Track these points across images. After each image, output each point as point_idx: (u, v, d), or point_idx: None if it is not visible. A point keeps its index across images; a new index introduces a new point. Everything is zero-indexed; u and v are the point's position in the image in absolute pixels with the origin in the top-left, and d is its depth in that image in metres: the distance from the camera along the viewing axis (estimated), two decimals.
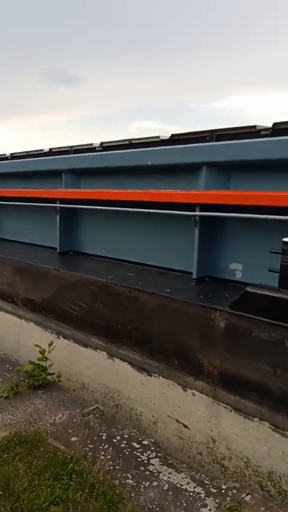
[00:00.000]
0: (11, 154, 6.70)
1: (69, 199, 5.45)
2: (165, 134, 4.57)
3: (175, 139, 4.50)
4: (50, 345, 3.86)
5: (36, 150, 6.22)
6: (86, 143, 5.43)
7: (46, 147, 6.01)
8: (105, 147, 5.18)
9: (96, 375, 4.17)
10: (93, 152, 5.28)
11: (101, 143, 5.21)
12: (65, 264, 5.10)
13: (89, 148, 5.40)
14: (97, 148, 5.27)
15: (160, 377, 3.54)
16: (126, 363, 3.83)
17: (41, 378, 3.70)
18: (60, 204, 5.53)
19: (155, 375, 3.57)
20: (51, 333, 4.70)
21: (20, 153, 6.55)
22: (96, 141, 5.39)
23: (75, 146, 5.59)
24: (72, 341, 4.43)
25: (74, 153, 5.64)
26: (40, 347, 3.88)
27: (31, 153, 6.33)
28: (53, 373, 3.87)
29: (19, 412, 3.22)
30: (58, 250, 5.60)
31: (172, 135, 4.51)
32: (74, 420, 3.11)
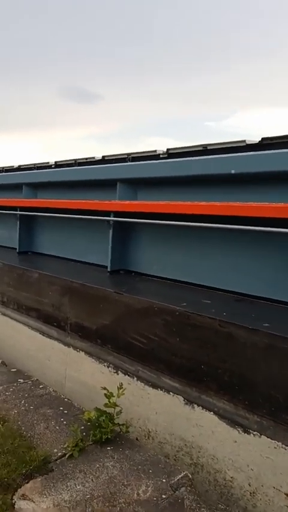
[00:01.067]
0: (55, 162, 6.14)
1: (125, 212, 4.83)
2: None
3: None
4: (119, 387, 3.17)
5: (86, 158, 5.65)
6: (147, 150, 4.83)
7: (98, 155, 5.44)
8: (172, 154, 4.57)
9: (168, 423, 3.45)
10: (155, 160, 4.68)
11: (167, 149, 4.60)
12: (119, 284, 4.45)
13: (151, 156, 4.80)
14: (161, 156, 4.66)
15: (262, 436, 2.81)
16: (212, 413, 3.11)
17: (109, 429, 2.99)
18: (114, 217, 4.91)
19: (255, 432, 2.85)
20: (108, 367, 4.01)
21: (66, 161, 5.99)
22: (159, 148, 4.80)
23: (133, 153, 4.99)
24: (135, 379, 3.73)
25: (132, 161, 5.04)
26: (107, 390, 3.19)
27: (80, 161, 5.76)
28: (123, 424, 3.16)
29: (90, 480, 2.51)
30: (109, 269, 4.96)
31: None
32: (164, 496, 2.39)
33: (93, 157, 5.50)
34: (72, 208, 5.52)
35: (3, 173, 7.31)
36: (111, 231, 4.94)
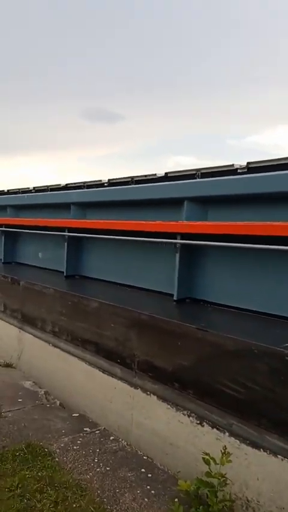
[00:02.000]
0: (108, 180, 5.71)
1: (193, 233, 4.31)
2: None
3: None
4: (224, 452, 2.57)
5: (145, 175, 5.18)
6: (222, 164, 4.32)
7: (161, 172, 4.96)
8: (252, 168, 4.04)
9: (276, 493, 2.82)
10: (231, 175, 4.17)
11: (247, 163, 4.08)
12: (192, 317, 3.90)
13: (225, 171, 4.29)
14: (239, 171, 4.15)
15: None
16: None
17: (216, 509, 2.39)
18: (181, 239, 4.40)
19: None
20: (188, 416, 3.42)
21: (121, 178, 5.55)
22: (228, 163, 4.30)
23: (203, 169, 4.50)
24: (227, 434, 3.13)
25: (201, 178, 4.54)
26: (208, 455, 2.60)
27: (137, 178, 5.30)
28: (228, 500, 2.55)
29: None
30: (175, 298, 4.42)
31: None
32: None
33: (155, 174, 5.03)
34: (127, 229, 5.05)
35: (49, 192, 6.94)
36: (178, 255, 4.42)
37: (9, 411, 3.69)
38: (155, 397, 3.75)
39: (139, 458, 3.06)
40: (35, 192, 7.33)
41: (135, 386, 3.95)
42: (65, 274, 6.14)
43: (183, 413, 3.48)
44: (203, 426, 3.31)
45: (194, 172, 4.56)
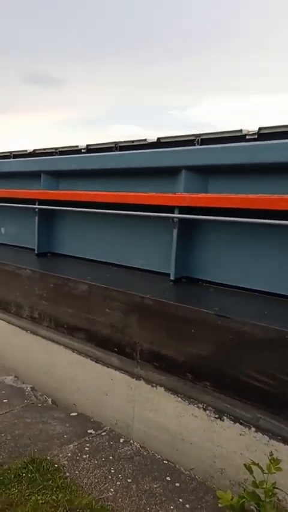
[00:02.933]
0: (87, 146, 5.07)
1: (192, 207, 3.90)
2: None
3: None
4: (272, 458, 2.27)
5: (132, 141, 4.61)
6: (222, 130, 3.88)
7: (152, 137, 4.41)
8: (263, 134, 3.65)
9: None
10: (237, 142, 3.76)
11: (259, 129, 3.68)
12: (199, 299, 3.55)
13: (229, 138, 3.87)
14: (248, 137, 3.73)
15: None
16: None
17: None
18: (179, 213, 3.97)
19: None
20: (205, 409, 3.11)
21: (103, 144, 4.93)
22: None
23: (203, 135, 4.04)
24: (253, 429, 2.86)
25: (201, 144, 4.08)
26: (254, 462, 2.29)
27: (121, 144, 4.71)
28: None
29: None
30: (172, 277, 4.03)
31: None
32: None
33: (145, 140, 4.49)
34: (113, 201, 4.52)
35: (13, 159, 6.15)
36: (175, 231, 4.00)
37: None
38: (161, 389, 3.40)
39: (159, 464, 2.72)
40: None
41: (137, 377, 3.57)
42: (36, 251, 5.52)
43: (197, 407, 3.17)
44: (222, 420, 3.02)
45: (193, 138, 4.09)
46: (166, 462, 2.75)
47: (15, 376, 4.24)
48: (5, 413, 3.27)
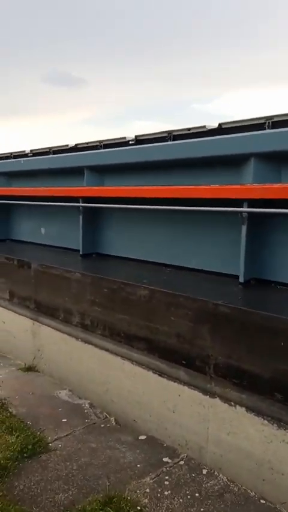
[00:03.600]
0: (135, 137, 4.65)
1: (262, 199, 3.45)
2: None
3: None
4: None
5: (188, 128, 4.17)
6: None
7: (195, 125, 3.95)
8: None
9: None
10: None
11: None
12: (279, 306, 3.10)
13: None
14: None
15: None
16: None
17: None
18: (247, 207, 3.53)
19: None
20: None
21: (151, 134, 4.51)
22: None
23: (275, 116, 3.57)
24: None
25: (272, 128, 3.61)
26: None
27: (176, 133, 4.28)
28: None
29: None
30: (241, 279, 3.59)
31: None
32: None
33: (204, 127, 4.03)
34: (166, 197, 4.11)
35: (53, 155, 5.82)
36: (244, 227, 3.56)
37: (57, 439, 2.84)
38: (242, 409, 2.97)
39: (255, 504, 2.30)
40: (32, 156, 6.17)
41: (212, 394, 3.15)
42: (81, 252, 5.17)
43: None
44: None
45: (263, 121, 3.62)
46: (263, 502, 2.33)
47: (70, 390, 3.89)
48: (67, 435, 2.92)
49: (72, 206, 5.20)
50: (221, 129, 3.93)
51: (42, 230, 6.19)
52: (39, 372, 4.40)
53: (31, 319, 5.00)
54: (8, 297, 5.41)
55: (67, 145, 5.56)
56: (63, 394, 3.74)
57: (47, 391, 3.79)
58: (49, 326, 4.70)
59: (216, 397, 3.12)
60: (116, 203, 4.70)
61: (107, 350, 3.99)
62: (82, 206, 5.06)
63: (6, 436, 2.82)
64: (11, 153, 6.51)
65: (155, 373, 3.55)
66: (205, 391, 3.19)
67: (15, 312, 5.28)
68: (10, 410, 3.30)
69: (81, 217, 5.10)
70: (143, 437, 3.05)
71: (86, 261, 5.07)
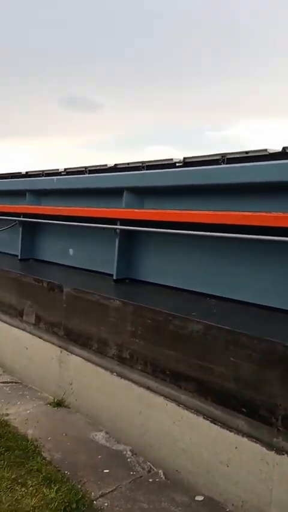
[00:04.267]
0: (184, 159, 4.40)
1: None
2: None
3: None
4: None
5: (246, 152, 3.91)
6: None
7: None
8: None
9: None
10: None
11: None
12: None
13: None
14: None
15: None
16: None
17: None
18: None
19: None
20: None
21: (203, 156, 4.25)
22: None
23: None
24: None
25: None
26: None
27: (230, 156, 4.02)
28: None
29: None
30: None
31: None
32: None
33: (265, 150, 3.77)
34: (215, 222, 3.80)
35: (90, 174, 5.58)
36: None
37: (101, 496, 2.43)
38: None
39: None
40: (66, 175, 5.94)
41: (278, 450, 2.75)
42: (114, 277, 4.85)
43: None
44: None
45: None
46: None
47: (107, 432, 3.48)
48: (112, 491, 2.52)
49: (107, 228, 4.92)
50: (286, 154, 3.65)
51: (71, 251, 5.90)
52: (69, 407, 3.99)
53: (59, 346, 4.63)
54: (34, 321, 5.06)
55: (105, 165, 5.33)
56: (100, 437, 3.33)
57: (81, 433, 3.38)
58: (80, 356, 4.33)
59: (284, 454, 2.72)
60: (155, 227, 4.42)
61: (147, 388, 3.60)
62: (119, 229, 4.78)
63: (44, 489, 2.42)
64: (43, 171, 6.30)
65: (206, 419, 3.16)
66: (270, 446, 2.79)
67: (40, 337, 4.91)
68: (44, 455, 2.90)
69: (117, 240, 4.81)
70: (199, 498, 2.63)
71: (121, 287, 4.75)
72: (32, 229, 6.44)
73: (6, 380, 4.86)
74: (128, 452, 3.10)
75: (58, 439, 3.19)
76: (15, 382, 4.86)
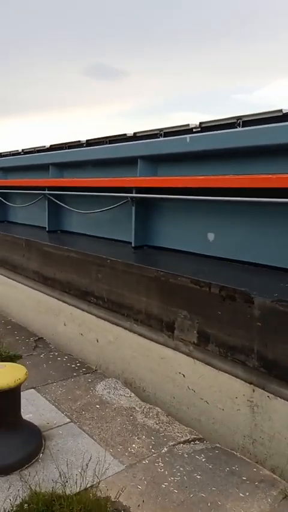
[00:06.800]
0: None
1: None
2: None
3: None
4: None
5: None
6: None
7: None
8: None
9: None
10: None
11: None
12: None
13: None
14: None
15: None
16: None
17: None
18: None
19: None
20: None
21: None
22: None
23: None
24: None
25: None
26: None
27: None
28: None
29: None
30: None
31: None
32: None
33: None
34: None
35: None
36: None
37: None
38: None
39: None
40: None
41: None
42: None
43: None
44: None
45: None
46: None
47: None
48: None
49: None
50: None
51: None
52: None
53: (250, 383, 3.16)
54: (196, 341, 3.55)
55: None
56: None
57: None
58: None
59: None
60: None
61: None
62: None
63: None
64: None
65: None
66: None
67: (212, 366, 3.41)
68: None
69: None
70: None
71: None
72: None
73: (187, 438, 2.97)
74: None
75: None
76: (199, 439, 3.00)
